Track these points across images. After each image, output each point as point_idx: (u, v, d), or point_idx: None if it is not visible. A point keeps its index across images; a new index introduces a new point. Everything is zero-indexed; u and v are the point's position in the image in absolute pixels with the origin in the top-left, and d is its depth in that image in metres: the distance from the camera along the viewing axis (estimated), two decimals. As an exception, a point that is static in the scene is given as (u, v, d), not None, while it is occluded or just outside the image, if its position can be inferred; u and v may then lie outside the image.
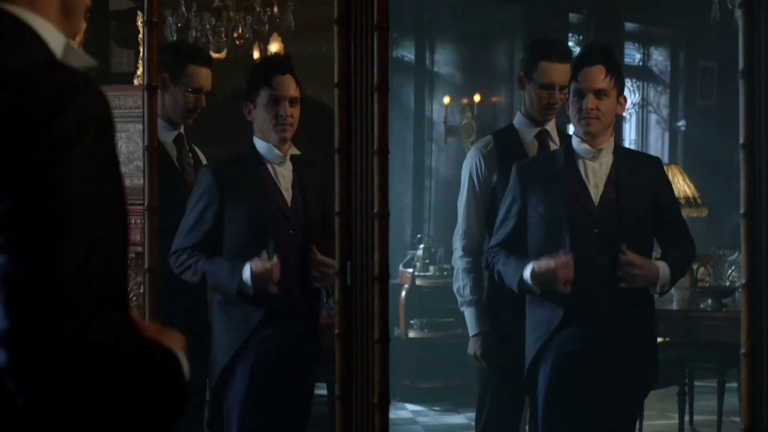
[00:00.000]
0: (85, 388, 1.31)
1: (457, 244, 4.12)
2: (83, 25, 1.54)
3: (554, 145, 4.09)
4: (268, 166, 3.76)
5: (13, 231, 1.31)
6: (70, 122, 1.33)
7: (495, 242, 3.80)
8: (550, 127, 4.11)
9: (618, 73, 3.70)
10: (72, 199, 1.32)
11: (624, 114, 5.95)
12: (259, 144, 3.77)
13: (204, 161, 4.22)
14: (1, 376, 1.32)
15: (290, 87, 3.75)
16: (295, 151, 3.79)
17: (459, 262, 4.11)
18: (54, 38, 1.46)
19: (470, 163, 4.12)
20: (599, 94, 3.66)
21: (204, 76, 4.08)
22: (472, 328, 4.07)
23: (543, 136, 4.10)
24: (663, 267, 3.61)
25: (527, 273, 3.59)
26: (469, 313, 4.08)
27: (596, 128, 3.67)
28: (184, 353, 1.48)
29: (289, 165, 3.79)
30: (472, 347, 4.06)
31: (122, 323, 1.36)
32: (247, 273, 3.59)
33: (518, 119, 4.17)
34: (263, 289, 3.59)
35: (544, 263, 3.57)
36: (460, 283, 4.10)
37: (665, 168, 4.67)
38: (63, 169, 1.31)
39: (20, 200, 1.31)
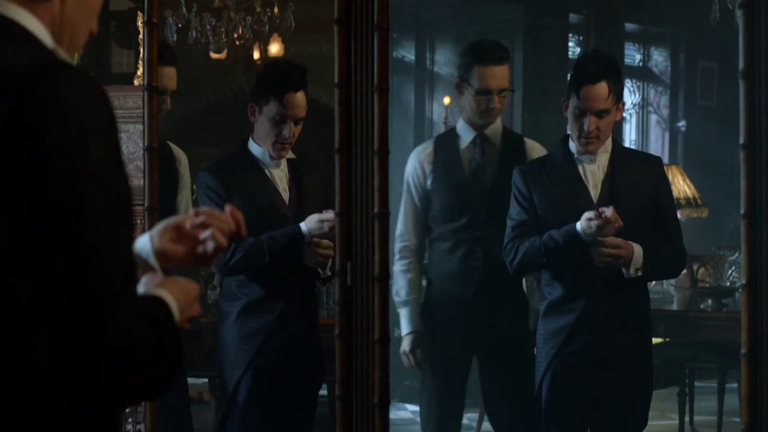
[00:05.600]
0: (107, 369, 1.35)
1: (395, 246, 4.13)
2: (82, 43, 1.53)
3: (494, 149, 4.06)
4: (264, 168, 3.75)
5: (37, 232, 1.32)
6: (79, 123, 1.33)
7: (511, 237, 3.75)
8: (492, 130, 4.08)
9: (619, 85, 3.65)
10: (91, 201, 1.33)
11: (624, 114, 5.96)
12: (254, 147, 3.76)
13: (181, 158, 4.18)
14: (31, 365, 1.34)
15: (300, 106, 3.71)
16: (290, 155, 3.79)
17: (396, 264, 4.14)
18: (45, 38, 1.46)
19: (409, 168, 4.17)
20: (601, 114, 3.62)
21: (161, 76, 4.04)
22: (405, 327, 4.13)
23: (480, 141, 4.07)
24: (638, 248, 3.57)
25: (580, 225, 3.54)
26: (404, 313, 4.14)
27: (595, 147, 3.67)
28: (194, 301, 1.53)
29: (284, 167, 3.79)
30: (404, 345, 4.11)
31: (136, 312, 1.39)
32: (304, 227, 3.65)
33: (460, 124, 4.16)
34: (322, 236, 3.63)
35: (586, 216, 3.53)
36: (398, 285, 4.15)
37: (665, 168, 4.66)
38: (75, 172, 1.32)
39: (40, 202, 1.32)
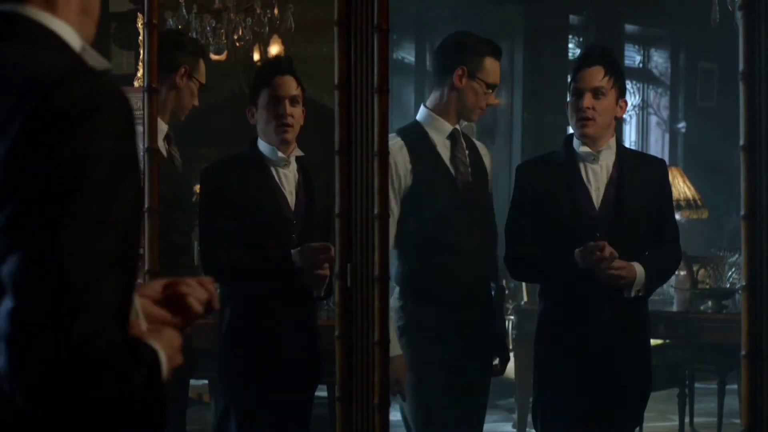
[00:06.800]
0: (79, 396, 1.32)
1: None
2: (95, 29, 1.55)
3: (463, 148, 3.84)
4: (272, 168, 3.74)
5: (27, 236, 1.31)
6: (95, 129, 1.33)
7: (514, 250, 3.72)
8: (460, 125, 3.86)
9: (618, 74, 3.68)
10: (90, 208, 1.32)
11: (624, 116, 5.96)
12: (263, 146, 3.74)
13: (177, 160, 4.17)
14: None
15: (291, 87, 3.71)
16: (299, 152, 3.77)
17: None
18: (73, 40, 1.46)
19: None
20: (596, 93, 3.63)
21: (199, 70, 3.97)
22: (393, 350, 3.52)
23: (455, 137, 3.82)
24: (639, 269, 3.57)
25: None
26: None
27: (592, 130, 3.65)
28: (178, 352, 1.51)
29: (293, 167, 3.76)
30: (395, 372, 3.57)
31: (121, 337, 1.37)
32: (297, 258, 3.58)
33: (426, 116, 3.82)
34: (311, 267, 3.57)
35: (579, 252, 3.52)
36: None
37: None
38: (85, 176, 1.32)
39: (37, 204, 1.31)
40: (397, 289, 3.76)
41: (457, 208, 3.77)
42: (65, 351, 1.29)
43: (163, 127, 3.80)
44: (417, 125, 3.84)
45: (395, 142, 3.71)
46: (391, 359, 3.48)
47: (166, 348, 1.47)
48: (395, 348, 3.57)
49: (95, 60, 1.47)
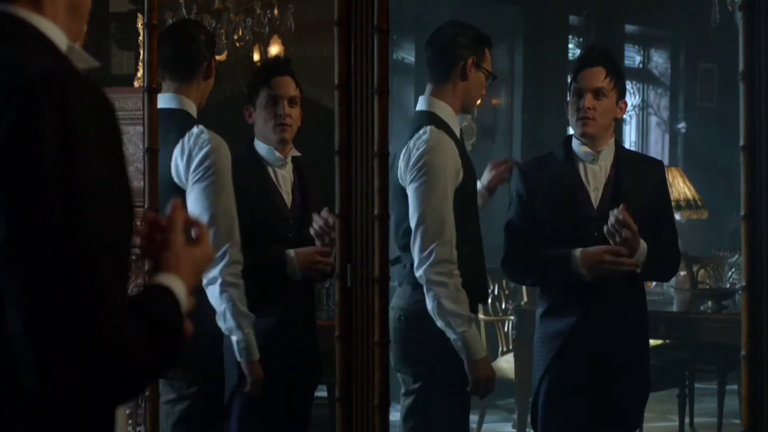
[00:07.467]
0: (97, 386, 1.34)
1: (436, 255, 3.43)
2: (85, 27, 1.56)
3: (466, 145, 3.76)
4: (269, 168, 3.75)
5: (23, 249, 1.32)
6: (77, 127, 1.34)
7: (513, 251, 3.72)
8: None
9: (618, 75, 3.69)
10: (83, 202, 1.33)
11: (624, 116, 5.97)
12: (260, 147, 3.76)
13: None
14: (13, 377, 1.33)
15: (289, 87, 3.74)
16: (295, 152, 3.79)
17: (450, 277, 3.42)
18: (59, 40, 1.47)
19: (447, 164, 3.51)
20: (597, 93, 3.64)
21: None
22: (480, 350, 3.48)
23: (462, 133, 3.73)
24: (643, 243, 3.55)
25: (577, 256, 3.54)
26: (474, 334, 3.47)
27: (592, 129, 3.65)
28: (206, 265, 1.56)
29: (290, 167, 3.78)
30: (488, 371, 3.51)
31: (127, 326, 1.38)
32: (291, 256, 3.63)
33: (443, 108, 3.64)
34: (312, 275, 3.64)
35: (593, 249, 3.52)
36: (461, 299, 3.44)
37: (665, 170, 4.66)
38: (71, 173, 1.33)
39: (28, 214, 1.32)
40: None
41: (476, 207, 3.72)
42: (89, 353, 1.32)
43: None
44: (438, 118, 3.61)
45: (443, 137, 3.54)
46: (482, 361, 3.47)
47: (186, 272, 1.51)
48: (482, 349, 3.50)
49: (82, 59, 1.48)
